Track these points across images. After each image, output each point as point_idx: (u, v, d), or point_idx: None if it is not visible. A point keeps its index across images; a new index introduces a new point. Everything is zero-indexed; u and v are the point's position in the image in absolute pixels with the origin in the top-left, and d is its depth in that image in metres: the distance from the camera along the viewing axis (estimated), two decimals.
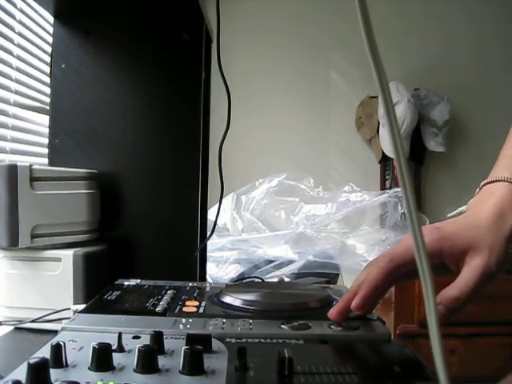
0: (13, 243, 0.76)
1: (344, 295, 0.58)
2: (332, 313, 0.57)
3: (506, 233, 0.55)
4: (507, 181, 0.58)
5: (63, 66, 0.96)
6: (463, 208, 0.62)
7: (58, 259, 0.79)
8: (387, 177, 2.77)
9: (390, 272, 0.55)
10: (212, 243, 1.40)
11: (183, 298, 0.66)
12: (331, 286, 0.81)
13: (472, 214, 0.57)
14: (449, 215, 0.62)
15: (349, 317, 0.58)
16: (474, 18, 2.79)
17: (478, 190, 0.61)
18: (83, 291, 0.78)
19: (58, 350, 0.41)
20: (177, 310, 0.60)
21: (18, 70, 1.28)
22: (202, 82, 0.97)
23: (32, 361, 0.37)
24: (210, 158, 1.06)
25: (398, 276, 0.56)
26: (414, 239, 0.26)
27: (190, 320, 0.55)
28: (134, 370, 0.41)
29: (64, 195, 0.83)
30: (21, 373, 0.37)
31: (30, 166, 0.78)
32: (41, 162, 1.30)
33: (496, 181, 0.59)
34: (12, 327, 0.77)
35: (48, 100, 1.01)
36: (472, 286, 0.53)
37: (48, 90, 1.02)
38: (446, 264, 0.55)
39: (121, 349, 0.45)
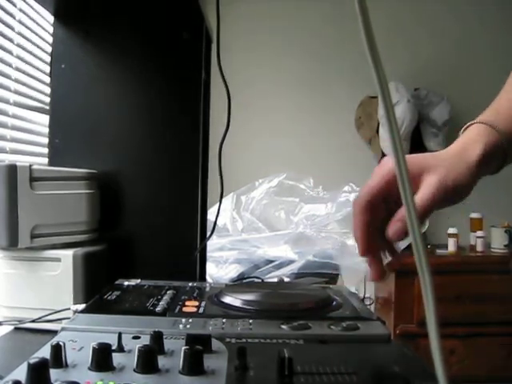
0: (12, 243, 0.76)
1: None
2: (373, 277, 0.58)
3: (469, 161, 0.56)
4: (480, 122, 0.60)
5: (63, 65, 0.96)
6: None
7: (58, 259, 0.79)
8: None
9: (366, 208, 0.57)
10: (212, 243, 1.40)
11: (183, 298, 0.66)
12: (331, 286, 0.81)
13: (438, 152, 0.60)
14: None
15: (348, 317, 0.58)
16: (475, 19, 2.79)
17: (460, 132, 0.64)
18: (83, 291, 0.78)
19: (57, 350, 0.41)
20: (177, 310, 0.60)
21: (18, 69, 1.28)
22: (202, 82, 0.97)
23: (32, 361, 0.37)
24: (209, 158, 1.06)
25: (375, 208, 0.57)
26: (413, 239, 0.26)
27: (190, 320, 0.55)
28: (134, 370, 0.41)
29: (64, 195, 0.83)
30: (21, 373, 0.37)
31: (30, 166, 0.78)
32: (41, 162, 1.30)
33: (472, 123, 0.61)
34: (12, 327, 0.77)
35: (48, 100, 1.01)
36: (429, 200, 0.54)
37: (48, 90, 1.02)
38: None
39: (121, 349, 0.45)
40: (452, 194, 0.56)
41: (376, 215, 0.57)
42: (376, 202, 0.57)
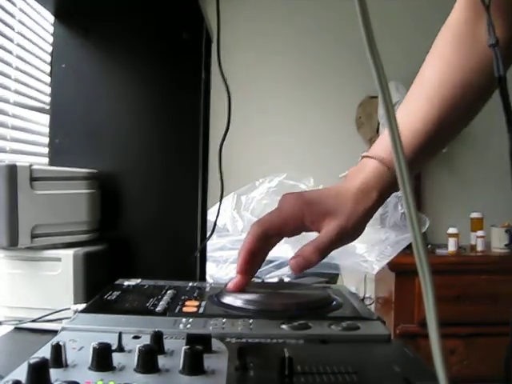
0: (13, 243, 0.76)
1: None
2: (230, 287, 0.64)
3: (367, 206, 0.63)
4: (379, 160, 0.64)
5: (63, 65, 0.96)
6: (346, 173, 0.70)
7: (58, 259, 0.79)
8: None
9: (259, 235, 0.63)
10: (212, 243, 1.40)
11: (183, 297, 0.66)
12: (331, 285, 0.81)
13: (342, 185, 0.66)
14: (340, 176, 0.70)
15: (348, 317, 0.58)
16: None
17: (360, 159, 0.68)
18: (83, 291, 0.78)
19: (58, 350, 0.41)
20: (177, 310, 0.60)
21: (18, 69, 1.28)
22: (202, 82, 0.97)
23: (32, 361, 0.37)
24: (209, 158, 1.06)
25: (269, 238, 0.64)
26: (414, 240, 0.26)
27: (190, 320, 0.55)
28: (134, 370, 0.41)
29: (64, 195, 0.83)
30: (21, 373, 0.37)
31: (30, 165, 0.78)
32: (41, 162, 1.30)
33: (371, 157, 0.66)
34: (12, 327, 0.77)
35: (48, 100, 1.01)
36: (327, 244, 0.62)
37: (48, 90, 1.02)
38: (307, 227, 0.63)
39: (121, 349, 0.45)
40: (349, 237, 0.63)
41: (267, 242, 0.64)
42: (270, 233, 0.63)
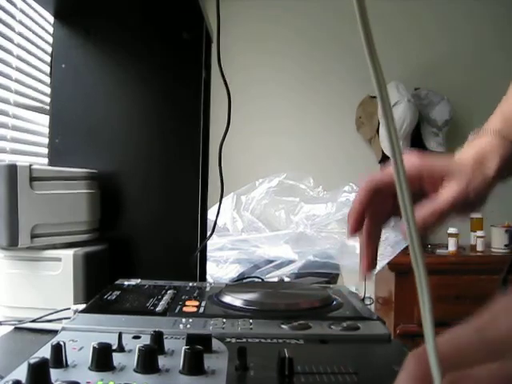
0: (13, 243, 0.76)
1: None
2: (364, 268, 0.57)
3: (486, 176, 0.57)
4: (493, 131, 0.61)
5: (63, 65, 0.96)
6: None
7: (58, 259, 0.79)
8: None
9: (371, 188, 0.57)
10: (212, 243, 1.40)
11: (183, 297, 0.66)
12: (331, 285, 0.81)
13: (455, 156, 0.61)
14: None
15: (348, 317, 0.58)
16: (475, 19, 2.79)
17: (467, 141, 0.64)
18: (83, 291, 0.78)
19: (58, 349, 0.41)
20: (177, 310, 0.60)
21: (18, 69, 1.28)
22: (202, 82, 0.97)
23: (32, 361, 0.37)
24: (210, 158, 1.06)
25: (382, 195, 0.57)
26: (410, 240, 0.26)
27: (190, 320, 0.55)
28: (134, 370, 0.41)
29: (64, 195, 0.83)
30: (21, 373, 0.37)
31: (30, 165, 0.78)
32: (41, 162, 1.30)
33: (483, 131, 0.62)
34: (12, 327, 0.77)
35: (48, 100, 1.01)
36: (448, 204, 0.55)
37: (48, 90, 1.02)
38: (423, 190, 0.57)
39: (121, 349, 0.45)
40: (470, 202, 0.56)
41: (379, 206, 0.57)
42: (383, 187, 0.56)
